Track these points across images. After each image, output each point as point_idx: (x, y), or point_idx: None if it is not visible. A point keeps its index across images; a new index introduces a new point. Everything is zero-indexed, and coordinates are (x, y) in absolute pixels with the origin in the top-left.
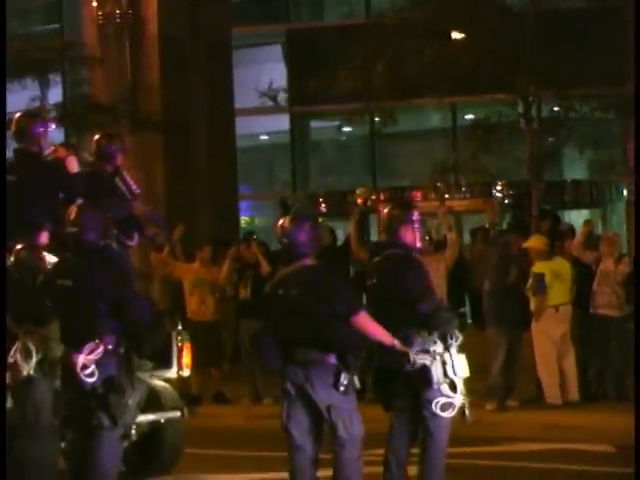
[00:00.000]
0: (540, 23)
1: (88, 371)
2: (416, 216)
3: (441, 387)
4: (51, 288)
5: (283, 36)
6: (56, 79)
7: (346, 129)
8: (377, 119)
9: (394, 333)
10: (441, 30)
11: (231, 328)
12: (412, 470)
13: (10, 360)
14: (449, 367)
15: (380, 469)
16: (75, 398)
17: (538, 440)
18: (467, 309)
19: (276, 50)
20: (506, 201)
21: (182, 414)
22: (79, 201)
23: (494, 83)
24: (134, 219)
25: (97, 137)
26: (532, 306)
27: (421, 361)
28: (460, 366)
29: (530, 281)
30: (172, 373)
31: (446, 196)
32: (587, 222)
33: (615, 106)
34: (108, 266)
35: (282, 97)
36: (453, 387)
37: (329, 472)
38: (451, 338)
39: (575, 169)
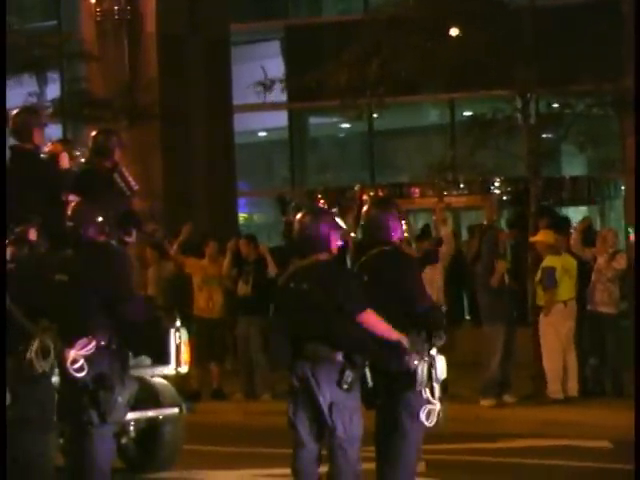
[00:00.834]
0: (538, 18)
1: (77, 366)
2: (400, 212)
3: (423, 390)
4: (48, 283)
5: (281, 32)
6: (53, 75)
7: (344, 125)
8: (375, 115)
9: None
10: (439, 26)
11: (230, 324)
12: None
13: (27, 357)
14: (433, 370)
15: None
16: (68, 394)
17: (535, 436)
18: (465, 305)
19: (274, 46)
20: (504, 198)
21: (180, 410)
22: (71, 197)
23: (492, 79)
24: (132, 215)
25: (94, 133)
26: (540, 300)
27: (409, 361)
28: (441, 369)
29: (540, 275)
30: (170, 370)
31: (444, 192)
32: (584, 219)
33: (613, 103)
34: (105, 263)
35: (278, 87)
36: (432, 391)
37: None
38: (436, 338)
39: (573, 166)
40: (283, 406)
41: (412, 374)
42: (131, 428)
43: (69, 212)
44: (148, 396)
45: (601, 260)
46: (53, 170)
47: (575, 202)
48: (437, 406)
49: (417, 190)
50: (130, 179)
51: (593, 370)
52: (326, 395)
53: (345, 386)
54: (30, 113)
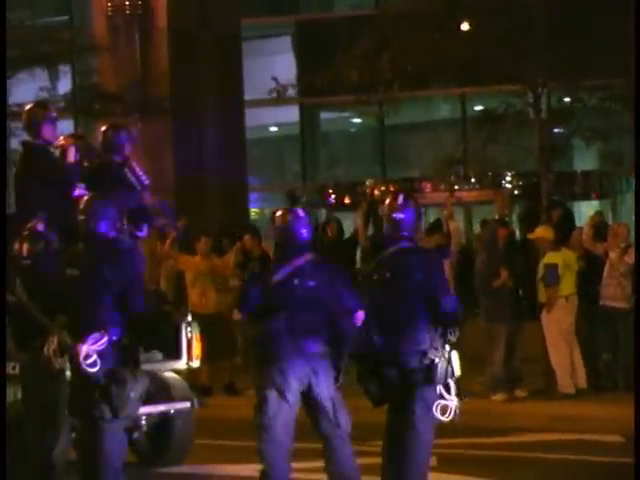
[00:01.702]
0: (549, 13)
1: (90, 361)
2: (418, 208)
3: (439, 387)
4: (60, 277)
5: (292, 27)
6: (65, 69)
7: (356, 120)
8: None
9: (410, 328)
10: (449, 20)
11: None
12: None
13: (45, 354)
14: (450, 366)
15: (376, 460)
16: (79, 389)
17: (547, 431)
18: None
19: (286, 41)
20: (516, 192)
21: (192, 405)
22: (82, 191)
23: (503, 74)
24: (143, 210)
25: (104, 128)
26: (542, 297)
27: (431, 357)
28: (456, 365)
29: (542, 271)
30: (182, 364)
31: (456, 187)
32: (596, 213)
33: (624, 97)
34: (116, 258)
35: (291, 92)
36: (447, 387)
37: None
38: (451, 334)
39: (585, 160)
40: None
41: (430, 370)
42: (143, 422)
43: (80, 206)
44: (160, 390)
45: (613, 255)
46: (60, 165)
47: (586, 196)
48: (454, 402)
49: (428, 185)
50: (141, 173)
51: (606, 365)
52: (328, 392)
53: (338, 383)
54: (39, 108)
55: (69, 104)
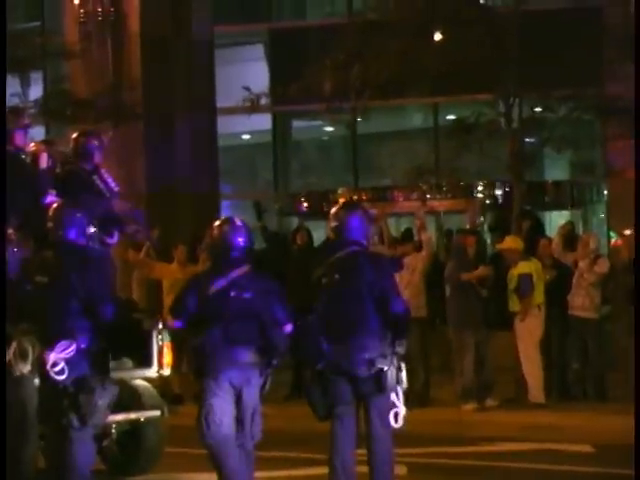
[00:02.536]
0: (522, 24)
1: (57, 368)
2: (368, 215)
3: (390, 395)
4: (28, 284)
5: (265, 35)
6: (36, 76)
7: (328, 129)
8: (359, 119)
9: (360, 332)
10: (422, 30)
11: None
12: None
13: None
14: (400, 373)
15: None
16: (48, 396)
17: (518, 440)
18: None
19: (258, 49)
20: (487, 201)
21: (162, 413)
22: (50, 197)
23: (475, 83)
24: (114, 217)
25: (75, 135)
26: (514, 306)
27: (379, 365)
28: (404, 373)
29: (514, 281)
30: (152, 372)
31: (427, 196)
32: (567, 223)
33: (595, 107)
34: (84, 266)
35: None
36: (397, 395)
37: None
38: (399, 346)
39: (556, 170)
40: (265, 410)
41: (382, 378)
42: (113, 430)
43: (50, 213)
44: (130, 398)
45: (582, 265)
46: (32, 171)
47: (557, 206)
48: (403, 409)
49: (400, 194)
50: (110, 180)
51: (575, 374)
52: (253, 401)
53: (263, 392)
54: (11, 115)
55: (40, 110)
